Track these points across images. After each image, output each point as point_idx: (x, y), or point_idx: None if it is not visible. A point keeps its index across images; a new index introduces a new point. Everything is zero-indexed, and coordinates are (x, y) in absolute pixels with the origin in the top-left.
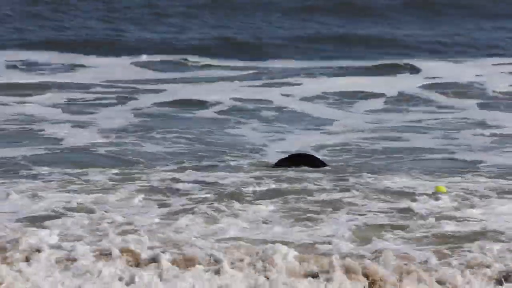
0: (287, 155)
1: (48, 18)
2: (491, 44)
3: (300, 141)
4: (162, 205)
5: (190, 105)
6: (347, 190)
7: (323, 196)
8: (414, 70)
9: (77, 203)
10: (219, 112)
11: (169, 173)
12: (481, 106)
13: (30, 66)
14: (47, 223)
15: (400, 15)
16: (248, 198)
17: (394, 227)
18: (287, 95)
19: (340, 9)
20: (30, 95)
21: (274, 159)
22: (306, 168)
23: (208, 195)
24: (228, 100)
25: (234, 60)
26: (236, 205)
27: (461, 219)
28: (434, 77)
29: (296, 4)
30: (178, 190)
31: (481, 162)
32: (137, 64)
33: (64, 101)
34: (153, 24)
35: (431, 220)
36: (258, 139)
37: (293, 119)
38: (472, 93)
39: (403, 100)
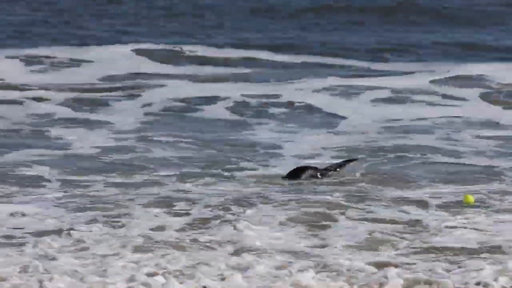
0: (296, 166)
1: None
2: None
3: (312, 144)
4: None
5: (197, 102)
6: (360, 200)
7: (333, 207)
8: (426, 69)
9: (96, 217)
10: (229, 110)
11: (180, 183)
12: (494, 104)
13: (32, 62)
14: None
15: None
16: (259, 209)
17: (405, 239)
18: (298, 91)
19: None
20: (32, 92)
21: (287, 165)
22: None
23: (221, 206)
24: (239, 96)
25: (242, 51)
26: (248, 216)
27: (477, 231)
28: (446, 72)
29: (302, 5)
30: (192, 201)
31: (494, 167)
32: (140, 53)
33: (66, 101)
34: (162, 23)
35: (445, 231)
36: (271, 142)
37: (305, 118)
38: (486, 89)
39: (415, 95)
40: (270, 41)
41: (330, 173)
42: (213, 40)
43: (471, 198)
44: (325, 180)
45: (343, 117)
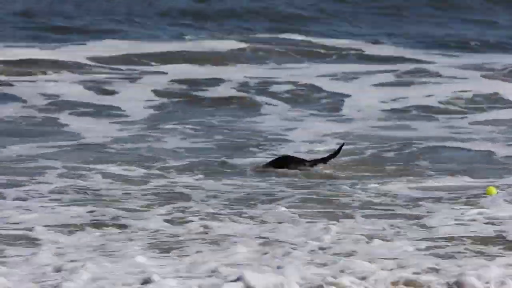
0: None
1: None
2: None
3: (318, 130)
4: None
5: (202, 86)
6: (369, 194)
7: (340, 202)
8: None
9: (101, 215)
10: (233, 93)
11: (184, 176)
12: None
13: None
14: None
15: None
16: (269, 204)
17: (418, 233)
18: (302, 75)
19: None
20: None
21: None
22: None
23: (230, 202)
24: (242, 78)
25: (246, 36)
26: (262, 211)
27: (492, 224)
28: (451, 60)
29: None
30: (202, 195)
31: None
32: (144, 39)
33: (69, 83)
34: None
35: (458, 224)
36: (276, 129)
37: (310, 102)
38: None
39: (419, 78)
40: (275, 25)
41: (319, 164)
42: (217, 28)
43: (494, 190)
44: (319, 168)
45: (348, 102)
